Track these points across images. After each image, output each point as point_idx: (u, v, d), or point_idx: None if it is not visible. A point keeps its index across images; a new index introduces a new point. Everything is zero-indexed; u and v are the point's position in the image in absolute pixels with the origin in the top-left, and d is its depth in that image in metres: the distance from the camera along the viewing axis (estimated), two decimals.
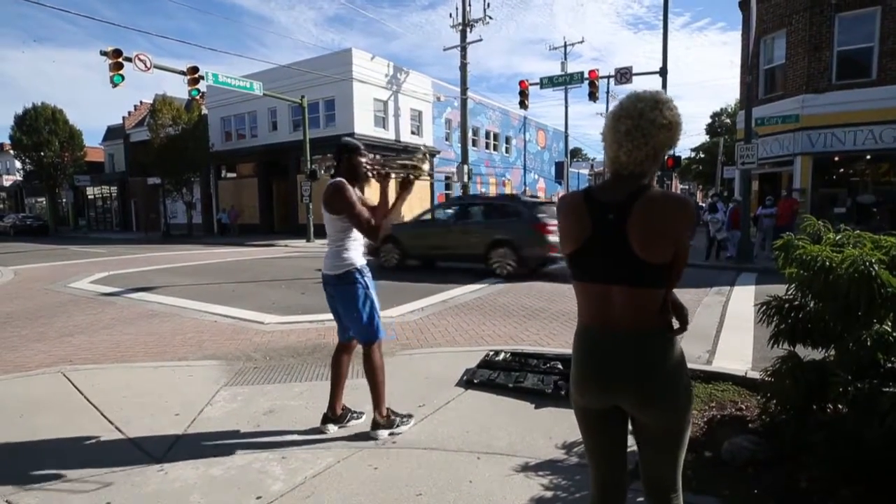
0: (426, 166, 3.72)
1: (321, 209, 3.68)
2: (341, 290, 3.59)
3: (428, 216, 14.45)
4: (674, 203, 1.74)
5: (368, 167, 3.66)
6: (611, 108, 1.86)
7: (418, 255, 13.60)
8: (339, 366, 3.82)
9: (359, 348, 3.74)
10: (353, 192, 3.52)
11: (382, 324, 3.73)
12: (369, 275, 3.68)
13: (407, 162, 3.69)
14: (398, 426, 3.73)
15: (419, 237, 13.42)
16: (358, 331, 3.64)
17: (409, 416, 3.86)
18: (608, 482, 2.01)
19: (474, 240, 12.34)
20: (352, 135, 24.64)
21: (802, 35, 16.98)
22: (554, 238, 11.08)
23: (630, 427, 1.95)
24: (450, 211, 14.14)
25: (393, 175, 3.66)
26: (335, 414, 3.81)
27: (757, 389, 3.81)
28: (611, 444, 1.97)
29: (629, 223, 1.72)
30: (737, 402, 3.98)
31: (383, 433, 3.66)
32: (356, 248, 3.65)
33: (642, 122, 1.74)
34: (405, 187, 3.65)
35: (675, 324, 1.90)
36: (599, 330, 1.84)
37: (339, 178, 3.55)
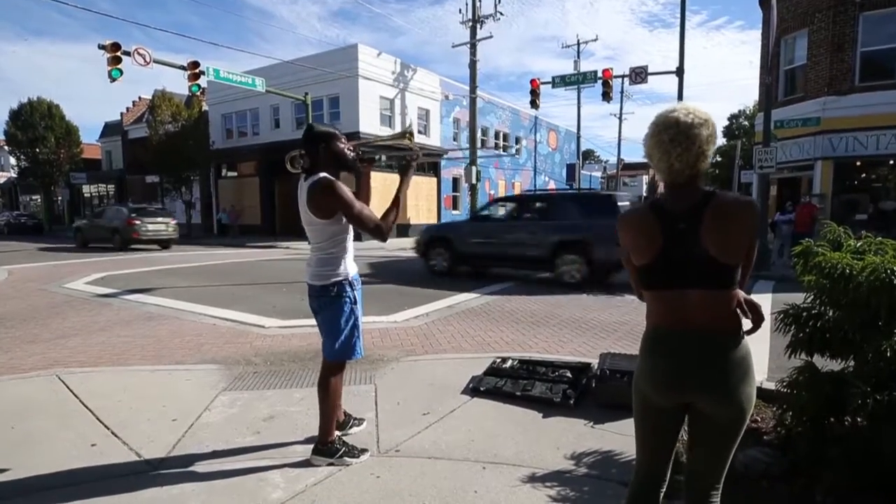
0: (413, 143, 3.54)
1: (302, 213, 3.35)
2: (325, 302, 3.36)
3: (97, 217, 24.65)
4: (744, 205, 1.91)
5: (352, 152, 3.41)
6: (647, 130, 1.99)
7: (95, 240, 23.15)
8: None
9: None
10: (346, 187, 3.22)
11: (362, 343, 3.52)
12: (359, 287, 3.48)
13: (391, 143, 3.58)
14: (342, 456, 3.42)
15: (94, 227, 23.52)
16: (331, 347, 3.40)
17: (364, 450, 3.53)
18: (652, 472, 2.18)
19: (106, 228, 22.51)
20: (357, 133, 24.69)
21: (825, 35, 16.95)
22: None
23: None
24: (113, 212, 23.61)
25: (377, 158, 3.54)
26: (337, 421, 3.79)
27: (772, 401, 3.81)
28: (665, 436, 2.14)
29: (703, 229, 1.87)
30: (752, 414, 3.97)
31: (321, 461, 3.40)
32: (348, 256, 3.41)
33: (681, 126, 1.88)
34: (405, 172, 3.46)
35: (747, 324, 2.03)
36: (676, 332, 1.97)
37: (323, 175, 3.22)
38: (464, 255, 12.82)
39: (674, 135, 1.88)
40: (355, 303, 3.42)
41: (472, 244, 12.65)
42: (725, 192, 1.98)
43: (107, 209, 25.45)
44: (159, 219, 22.84)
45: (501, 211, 13.54)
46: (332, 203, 3.18)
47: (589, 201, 11.95)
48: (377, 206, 3.27)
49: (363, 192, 3.59)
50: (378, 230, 3.25)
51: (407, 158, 3.48)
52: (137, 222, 21.83)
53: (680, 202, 1.94)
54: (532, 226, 12.00)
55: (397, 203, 3.36)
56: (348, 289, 3.37)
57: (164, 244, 23.01)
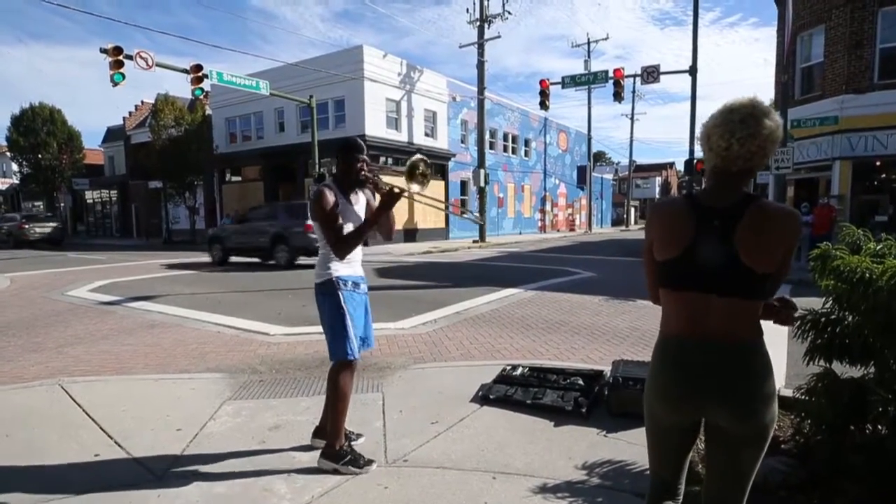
0: (412, 186, 3.42)
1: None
2: (320, 299, 3.56)
3: None
4: (787, 214, 1.82)
5: (365, 172, 3.53)
6: (713, 113, 1.93)
7: None
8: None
9: (362, 363, 3.63)
10: (331, 200, 3.36)
11: (355, 344, 3.52)
12: (356, 288, 3.59)
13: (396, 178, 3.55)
14: (347, 464, 3.44)
15: None
16: (329, 345, 3.57)
17: (371, 461, 3.53)
18: (667, 484, 2.14)
19: (3, 232, 28.33)
20: (363, 137, 24.74)
21: (842, 31, 16.88)
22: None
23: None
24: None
25: (382, 186, 3.51)
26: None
27: (790, 408, 3.79)
28: (679, 452, 2.09)
29: (739, 231, 1.79)
30: None
31: (328, 465, 3.44)
32: (344, 259, 3.54)
33: (756, 111, 1.80)
34: (386, 205, 3.37)
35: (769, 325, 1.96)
36: (694, 342, 1.89)
37: (323, 184, 3.49)
38: (230, 249, 18.47)
39: (745, 115, 1.80)
40: (345, 301, 3.50)
41: (232, 240, 18.41)
42: (769, 200, 1.93)
43: (3, 217, 34.62)
44: (48, 224, 31.61)
45: (251, 216, 18.87)
46: (314, 209, 3.41)
47: (290, 208, 17.85)
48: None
49: (384, 219, 3.54)
50: (336, 244, 3.40)
51: (392, 191, 3.36)
52: (27, 226, 30.25)
53: (719, 198, 1.87)
54: (262, 226, 17.52)
55: (366, 227, 3.46)
56: (333, 287, 3.50)
57: (53, 242, 30.30)
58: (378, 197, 3.48)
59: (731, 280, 1.81)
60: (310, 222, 15.34)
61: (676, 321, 1.93)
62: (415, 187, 3.41)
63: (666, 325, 1.98)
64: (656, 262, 1.99)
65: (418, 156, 3.45)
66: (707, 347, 1.86)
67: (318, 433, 3.82)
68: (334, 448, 3.47)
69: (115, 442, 3.93)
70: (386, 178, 3.70)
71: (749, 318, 1.84)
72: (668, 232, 1.93)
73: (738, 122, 1.80)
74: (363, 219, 3.56)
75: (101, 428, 4.17)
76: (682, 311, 1.91)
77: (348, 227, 3.45)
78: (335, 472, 3.41)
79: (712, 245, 1.82)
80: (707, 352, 1.86)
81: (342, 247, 3.41)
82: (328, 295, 3.51)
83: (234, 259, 18.64)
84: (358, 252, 3.62)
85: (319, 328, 3.57)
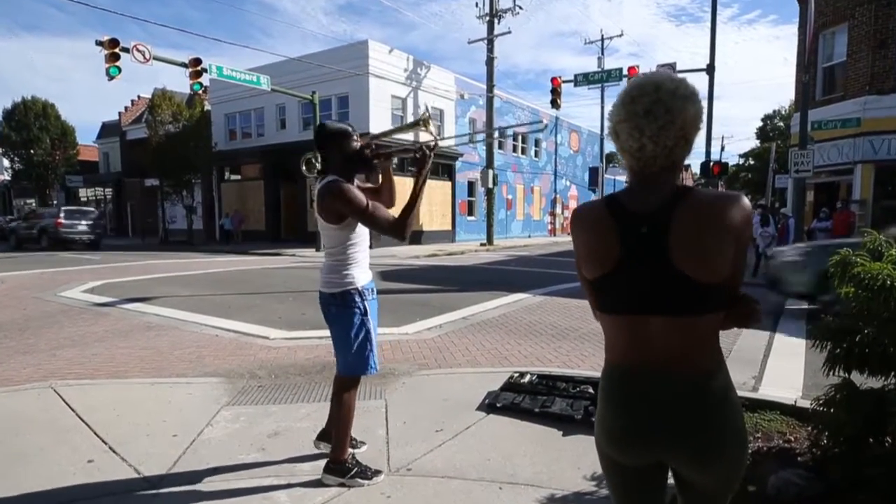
0: (430, 131, 3.43)
1: (316, 217, 3.41)
2: (334, 312, 3.39)
3: None
4: (727, 202, 1.53)
5: (368, 150, 3.39)
6: (617, 98, 1.65)
7: None
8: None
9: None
10: (357, 190, 3.23)
11: (376, 357, 3.50)
12: (373, 297, 3.48)
13: (405, 136, 3.52)
14: (354, 476, 3.39)
15: None
16: (343, 361, 3.46)
17: (378, 472, 3.49)
18: None
19: None
20: (367, 135, 24.66)
21: (866, 30, 16.85)
22: None
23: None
24: None
25: (394, 156, 3.49)
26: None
27: (807, 420, 3.79)
28: (646, 495, 1.80)
29: (672, 235, 1.52)
30: (785, 434, 3.96)
31: (333, 480, 3.38)
32: (360, 264, 3.41)
33: (661, 94, 1.53)
34: (422, 164, 3.27)
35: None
36: (640, 372, 1.63)
37: (333, 178, 3.24)
38: (20, 238, 27.47)
39: (650, 104, 1.52)
40: (366, 314, 3.40)
41: (22, 232, 27.53)
42: (705, 189, 1.62)
43: None
44: None
45: (35, 215, 28.98)
46: (341, 207, 3.19)
47: (50, 211, 27.75)
48: (394, 209, 3.36)
49: (386, 188, 3.63)
50: (394, 228, 3.21)
51: (422, 149, 3.27)
52: None
53: (645, 200, 1.59)
54: (35, 223, 27.24)
55: (414, 200, 3.27)
56: (357, 298, 3.36)
57: None
58: (384, 172, 3.53)
59: (675, 297, 1.54)
60: (60, 219, 27.22)
61: (619, 348, 1.69)
62: (426, 136, 3.42)
63: (610, 352, 1.74)
64: (588, 281, 1.73)
65: (423, 113, 3.48)
66: (657, 379, 1.60)
67: (322, 436, 3.81)
68: (339, 462, 3.43)
69: (110, 448, 3.95)
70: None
71: (702, 340, 1.59)
72: (589, 246, 1.68)
73: (644, 114, 1.54)
74: None
75: (94, 433, 4.19)
76: (621, 336, 1.67)
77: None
78: (341, 486, 3.37)
79: (643, 258, 1.56)
80: (658, 384, 1.60)
81: (401, 227, 3.23)
82: (346, 307, 3.35)
83: (26, 246, 27.19)
84: (367, 253, 3.53)
85: (320, 332, 3.59)
